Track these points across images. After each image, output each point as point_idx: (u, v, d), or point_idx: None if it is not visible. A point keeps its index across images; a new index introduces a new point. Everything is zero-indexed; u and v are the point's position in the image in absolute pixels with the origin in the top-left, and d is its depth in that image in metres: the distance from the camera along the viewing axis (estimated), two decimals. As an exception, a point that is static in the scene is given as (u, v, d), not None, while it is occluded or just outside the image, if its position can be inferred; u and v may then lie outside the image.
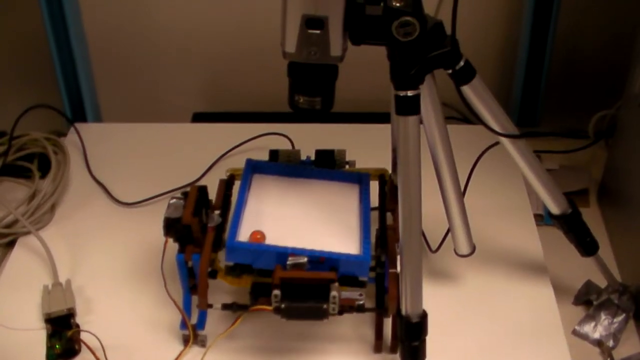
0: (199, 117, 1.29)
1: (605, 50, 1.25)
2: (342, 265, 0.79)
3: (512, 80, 1.25)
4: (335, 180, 0.92)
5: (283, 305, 0.77)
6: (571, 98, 1.30)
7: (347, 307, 0.79)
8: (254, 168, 0.92)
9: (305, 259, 0.78)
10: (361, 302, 0.79)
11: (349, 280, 0.81)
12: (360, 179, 0.91)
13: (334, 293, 0.76)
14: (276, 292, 0.77)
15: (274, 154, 0.95)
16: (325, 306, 0.77)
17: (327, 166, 0.93)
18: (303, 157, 0.95)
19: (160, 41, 1.29)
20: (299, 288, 0.77)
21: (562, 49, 1.23)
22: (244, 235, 0.82)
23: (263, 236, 0.82)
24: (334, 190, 0.91)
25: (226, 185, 0.92)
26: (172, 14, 1.26)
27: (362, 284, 0.81)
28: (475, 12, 1.22)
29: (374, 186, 0.92)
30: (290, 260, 0.78)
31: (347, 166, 0.94)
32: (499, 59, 1.28)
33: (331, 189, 0.91)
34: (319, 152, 0.94)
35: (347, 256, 0.80)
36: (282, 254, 0.79)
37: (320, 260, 0.79)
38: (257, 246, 0.80)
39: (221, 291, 0.86)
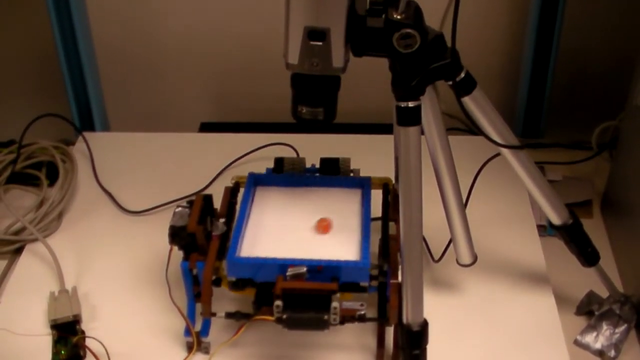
0: (206, 127, 1.30)
1: (608, 62, 1.26)
2: (341, 272, 0.80)
3: (517, 92, 1.26)
4: (337, 186, 0.93)
5: (285, 316, 0.78)
6: (575, 110, 1.30)
7: (348, 317, 0.80)
8: (256, 181, 0.93)
9: (305, 269, 0.79)
10: (362, 312, 0.80)
11: (351, 287, 0.81)
12: (361, 183, 0.92)
13: (334, 304, 0.77)
14: (278, 302, 0.78)
15: (279, 162, 0.96)
16: (326, 317, 0.77)
17: (332, 174, 0.94)
18: (308, 165, 0.96)
19: (168, 52, 1.30)
20: (300, 298, 0.78)
21: (566, 61, 1.23)
22: (245, 250, 0.83)
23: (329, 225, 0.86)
24: (336, 196, 0.91)
25: (231, 193, 0.93)
26: (180, 25, 1.27)
27: (363, 289, 0.81)
28: (480, 23, 1.23)
29: (378, 195, 0.93)
30: (290, 271, 0.79)
31: (351, 174, 0.95)
32: (504, 71, 1.28)
33: (333, 195, 0.92)
34: (323, 160, 0.95)
35: (346, 263, 0.80)
36: (282, 265, 0.80)
37: (319, 269, 0.79)
38: (257, 260, 0.81)
39: (225, 298, 0.86)
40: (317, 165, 0.95)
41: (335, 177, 0.94)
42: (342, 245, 0.84)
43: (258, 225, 0.87)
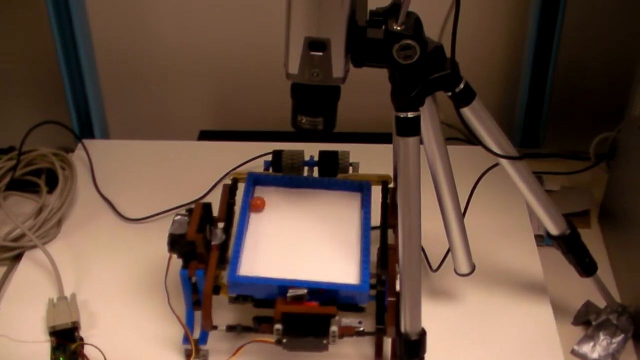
0: (206, 135, 1.30)
1: (606, 73, 1.26)
2: (341, 295, 0.81)
3: (515, 103, 1.26)
4: (336, 189, 0.93)
5: (285, 340, 0.79)
6: (573, 120, 1.30)
7: (347, 334, 0.80)
8: (255, 182, 0.93)
9: (305, 291, 0.79)
10: (361, 329, 0.81)
11: (349, 306, 0.82)
12: (361, 187, 0.92)
13: (334, 328, 0.78)
14: (278, 326, 0.78)
15: (277, 154, 0.95)
16: (325, 341, 0.78)
17: (331, 167, 0.94)
18: (307, 158, 0.96)
19: (168, 59, 1.30)
20: (300, 321, 0.78)
21: (565, 71, 1.24)
22: (246, 266, 0.84)
23: (263, 203, 0.88)
24: (336, 201, 0.92)
25: (230, 192, 0.93)
26: (180, 33, 1.27)
27: (362, 310, 0.82)
28: (479, 35, 1.24)
29: (377, 193, 0.93)
30: (291, 293, 0.79)
31: (350, 168, 0.95)
32: (502, 82, 1.29)
33: (333, 200, 0.92)
34: (322, 154, 0.95)
35: (346, 286, 0.81)
36: (283, 287, 0.80)
37: (320, 292, 0.80)
38: (258, 280, 0.82)
39: (224, 306, 0.86)
40: (316, 159, 0.95)
41: (336, 180, 0.94)
42: (341, 262, 0.84)
43: (257, 236, 0.87)
